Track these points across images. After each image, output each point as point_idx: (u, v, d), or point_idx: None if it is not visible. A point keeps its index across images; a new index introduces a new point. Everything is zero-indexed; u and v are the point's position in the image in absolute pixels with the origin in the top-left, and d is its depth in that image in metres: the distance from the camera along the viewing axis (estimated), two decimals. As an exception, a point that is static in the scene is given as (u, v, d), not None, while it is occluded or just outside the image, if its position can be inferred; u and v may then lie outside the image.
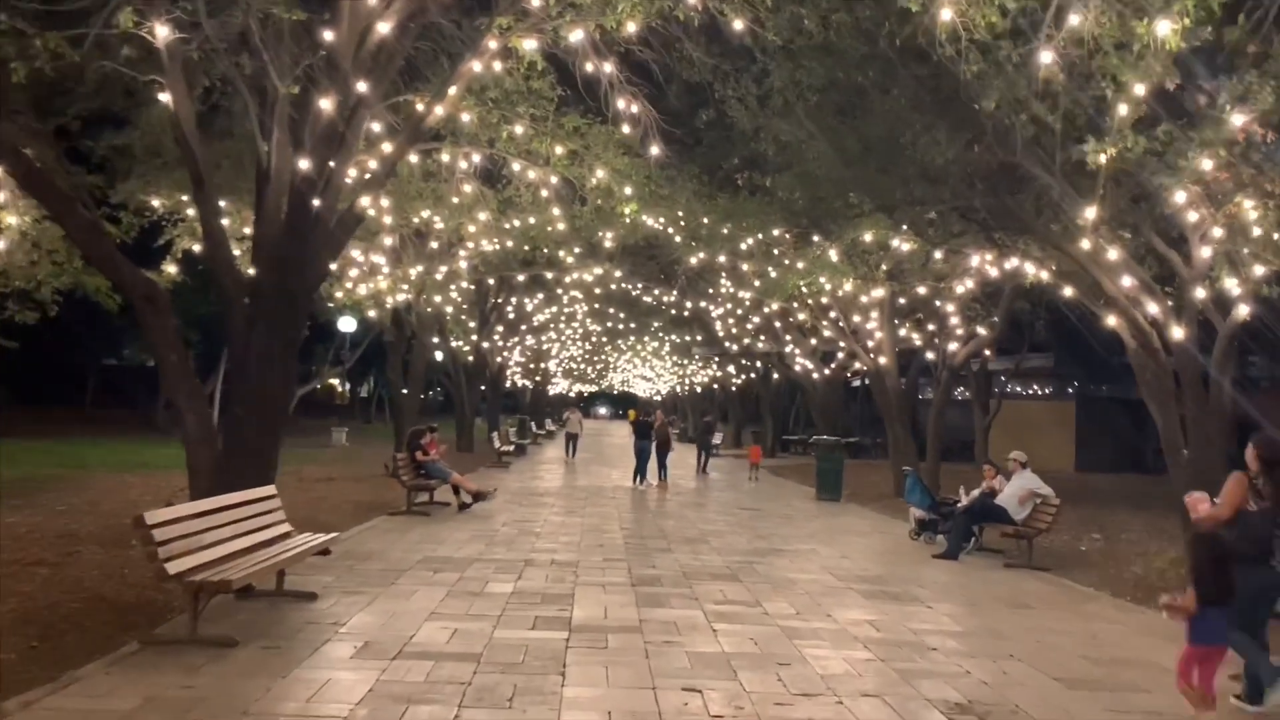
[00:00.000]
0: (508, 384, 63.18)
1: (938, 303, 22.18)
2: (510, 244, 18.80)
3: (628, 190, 14.64)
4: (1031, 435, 38.62)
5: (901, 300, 21.62)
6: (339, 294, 18.28)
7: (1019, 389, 41.47)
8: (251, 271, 10.69)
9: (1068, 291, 13.22)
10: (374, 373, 70.22)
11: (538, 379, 62.52)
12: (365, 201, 11.17)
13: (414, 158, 13.75)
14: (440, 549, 11.98)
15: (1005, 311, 20.10)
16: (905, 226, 14.53)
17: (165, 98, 10.03)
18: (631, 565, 11.30)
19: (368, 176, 11.50)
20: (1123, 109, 9.65)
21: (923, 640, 8.03)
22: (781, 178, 15.78)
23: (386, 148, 11.32)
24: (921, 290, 17.12)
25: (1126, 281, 11.75)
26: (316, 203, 10.81)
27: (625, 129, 12.56)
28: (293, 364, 11.46)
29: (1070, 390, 40.32)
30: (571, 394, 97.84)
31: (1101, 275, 11.84)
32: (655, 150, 12.82)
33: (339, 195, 11.10)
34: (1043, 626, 8.71)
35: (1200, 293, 11.78)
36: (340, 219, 11.18)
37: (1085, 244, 11.05)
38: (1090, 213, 10.67)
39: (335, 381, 76.13)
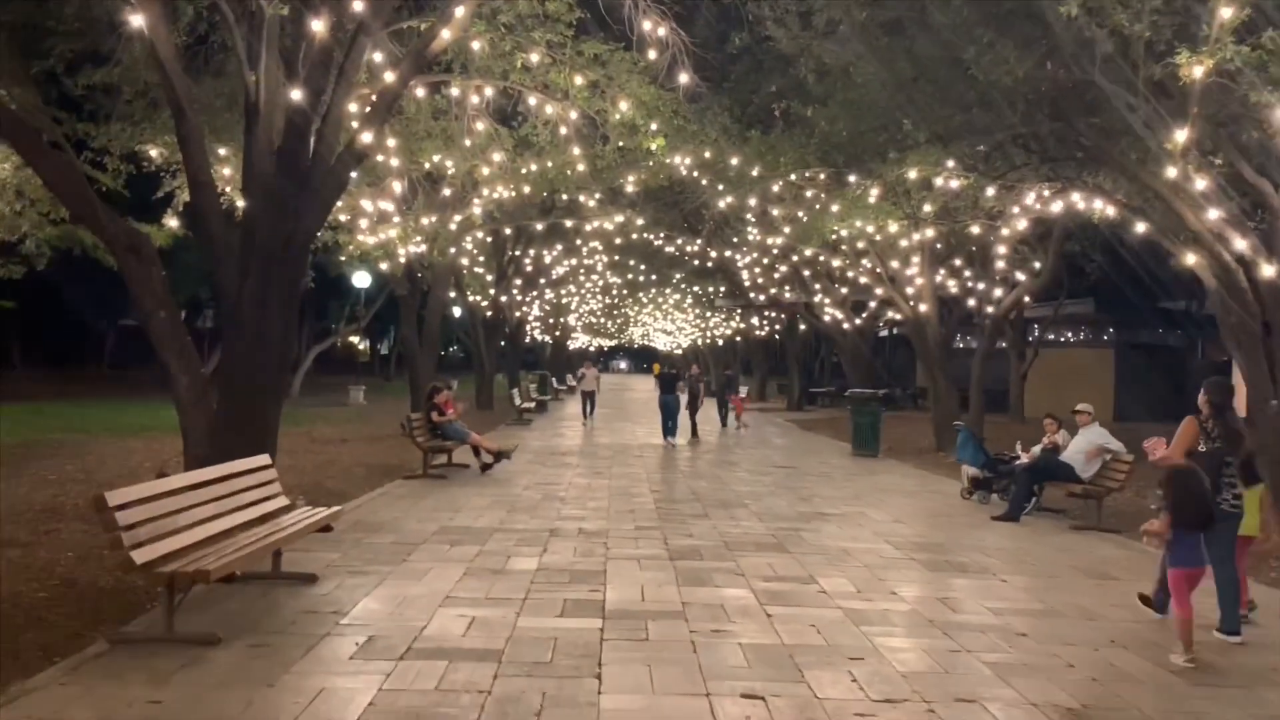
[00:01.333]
0: (528, 339, 62.34)
1: (975, 248, 21.01)
2: (528, 190, 17.60)
3: (654, 125, 13.46)
4: (1069, 383, 37.33)
5: (939, 245, 20.41)
6: (350, 245, 17.13)
7: (1053, 336, 40.09)
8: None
9: (1140, 227, 11.97)
10: (394, 329, 69.44)
11: (557, 334, 61.49)
12: (367, 138, 10.05)
13: (421, 91, 12.58)
14: (458, 517, 11.03)
15: (1055, 254, 18.85)
16: (955, 161, 13.28)
17: (138, 20, 8.92)
18: (667, 534, 10.31)
19: (369, 110, 10.36)
20: (1225, 11, 8.40)
21: (1008, 624, 7.00)
22: (823, 108, 14.39)
23: (389, 78, 10.18)
24: (975, 229, 15.79)
25: (1213, 214, 10.52)
26: (313, 138, 9.77)
27: (651, 54, 11.37)
28: (292, 319, 10.44)
29: (1107, 337, 38.92)
30: (592, 349, 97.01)
31: (1185, 208, 10.60)
32: (684, 79, 11.63)
33: (338, 130, 10.00)
34: (1133, 603, 7.65)
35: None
36: (340, 157, 10.09)
37: (1172, 172, 9.80)
38: (1180, 136, 9.43)
39: (355, 339, 75.57)
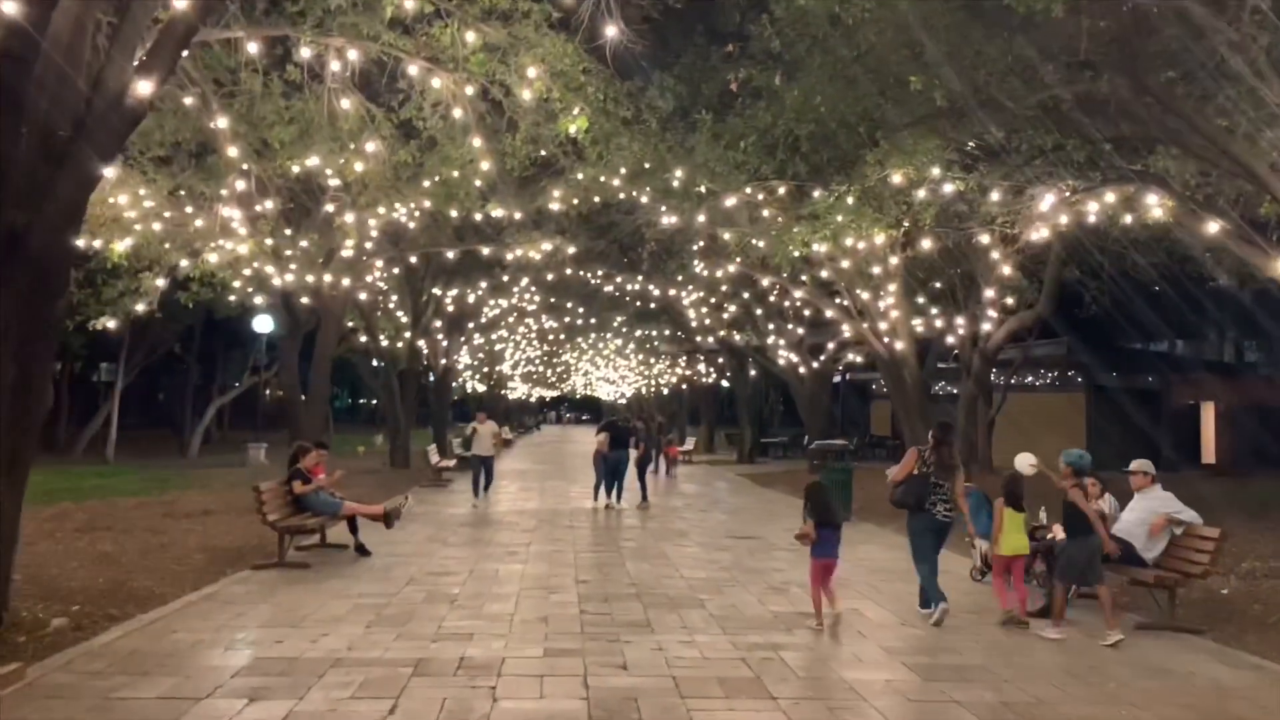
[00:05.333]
0: (467, 389, 58.51)
1: (957, 271, 18.27)
2: (427, 204, 14.34)
3: (575, 109, 10.38)
4: (1039, 430, 34.72)
5: (920, 273, 17.62)
6: (185, 263, 13.53)
7: (1019, 379, 37.58)
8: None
9: (1213, 227, 9.08)
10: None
11: (492, 383, 57.95)
12: (146, 87, 6.82)
13: (254, 47, 9.31)
14: (291, 638, 7.65)
15: (1054, 281, 16.08)
16: (956, 153, 10.37)
17: None
18: (589, 665, 7.03)
19: (150, 50, 7.13)
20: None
21: None
22: (796, 80, 11.23)
23: (181, 3, 6.98)
24: (984, 238, 12.81)
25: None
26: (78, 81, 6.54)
27: (566, -6, 8.35)
28: (36, 356, 7.10)
29: (1080, 380, 36.48)
30: (533, 399, 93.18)
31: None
32: (611, 32, 8.61)
33: (84, 65, 6.77)
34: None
35: None
36: (106, 114, 6.86)
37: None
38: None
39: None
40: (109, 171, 10.49)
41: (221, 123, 9.93)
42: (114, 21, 7.55)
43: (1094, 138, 9.43)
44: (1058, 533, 10.24)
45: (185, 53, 8.37)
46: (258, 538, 12.70)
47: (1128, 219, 11.88)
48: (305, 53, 9.32)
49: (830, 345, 28.02)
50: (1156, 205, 9.81)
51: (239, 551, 12.00)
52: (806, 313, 24.52)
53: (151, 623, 8.15)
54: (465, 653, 7.32)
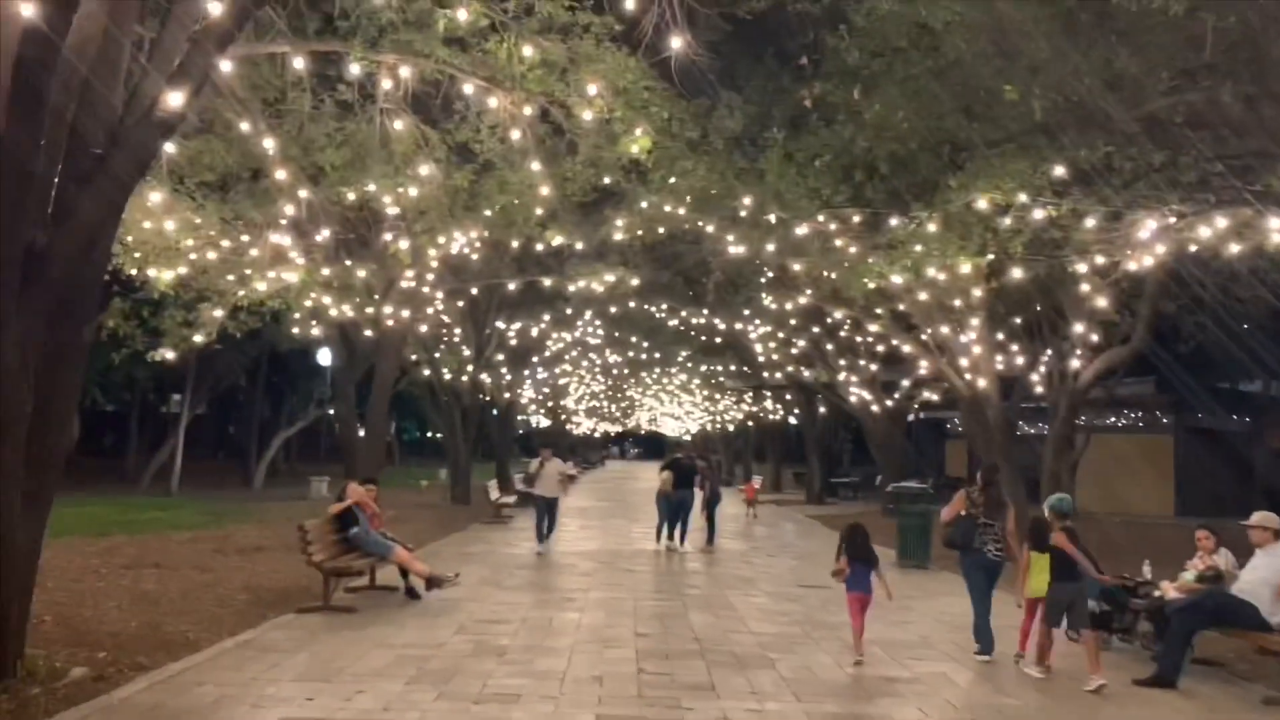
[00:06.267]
0: (532, 424, 58.10)
1: (1040, 308, 17.30)
2: (486, 233, 13.86)
3: (637, 130, 9.79)
4: (1124, 473, 33.18)
5: (1001, 307, 16.66)
6: (241, 292, 13.16)
7: (1102, 420, 35.92)
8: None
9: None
10: (393, 412, 65.20)
11: (561, 417, 57.52)
12: (177, 100, 6.37)
13: (301, 63, 8.89)
14: (323, 695, 7.03)
15: (1152, 314, 15.03)
16: (1054, 170, 9.53)
17: None
18: (646, 736, 6.29)
19: (184, 59, 6.69)
20: None
21: None
22: (875, 92, 10.37)
23: (216, 8, 6.55)
24: (1082, 267, 11.76)
25: None
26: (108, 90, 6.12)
27: (629, 2, 7.77)
28: (62, 383, 6.66)
29: (1165, 421, 34.72)
30: (597, 434, 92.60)
31: None
32: (677, 44, 8.01)
33: (117, 78, 6.35)
34: None
35: None
36: (136, 126, 6.44)
37: None
38: None
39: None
40: (155, 196, 10.23)
41: (269, 144, 9.53)
42: (155, 37, 7.18)
43: (1207, 155, 8.54)
44: (1168, 591, 9.30)
45: (227, 65, 7.99)
46: (306, 577, 12.15)
47: (1234, 247, 10.89)
48: (355, 69, 8.87)
49: (905, 382, 27.03)
50: (1277, 230, 8.85)
51: (285, 592, 11.49)
52: (880, 348, 23.59)
53: (180, 673, 7.61)
54: (509, 718, 6.63)
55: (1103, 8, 7.24)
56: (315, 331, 16.94)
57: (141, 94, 6.57)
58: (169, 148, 9.11)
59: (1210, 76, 7.67)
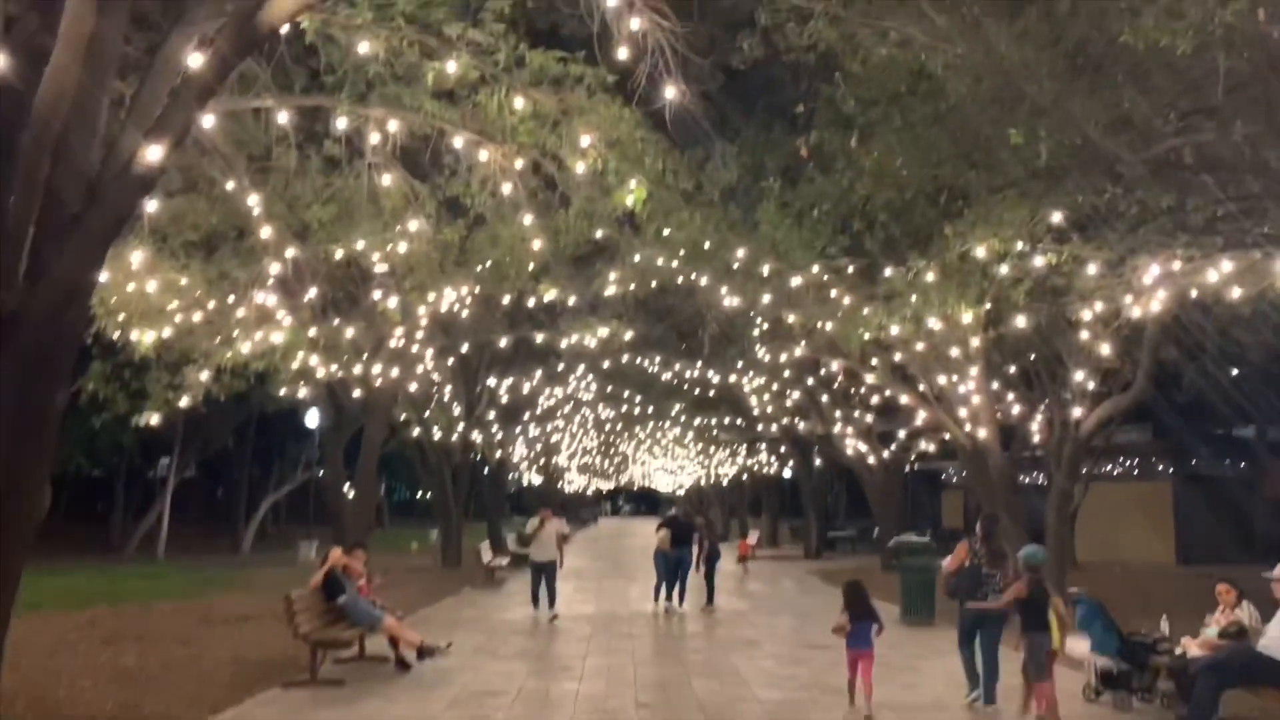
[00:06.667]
0: (523, 482, 57.44)
1: (1036, 356, 17.12)
2: (478, 289, 13.65)
3: (631, 181, 9.59)
4: (1121, 521, 32.81)
5: (995, 355, 16.48)
6: (227, 354, 12.86)
7: (1099, 468, 35.62)
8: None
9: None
10: (383, 472, 64.37)
11: (552, 474, 56.94)
12: (156, 153, 6.14)
13: (285, 117, 8.70)
14: (308, 781, 6.62)
15: (1151, 360, 14.83)
16: (1055, 217, 9.36)
17: None
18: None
19: (165, 108, 6.47)
20: None
21: None
22: (872, 139, 10.18)
23: (196, 61, 6.34)
24: (1087, 314, 11.55)
25: None
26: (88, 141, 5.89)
27: (621, 53, 7.60)
28: (35, 444, 6.34)
29: (1162, 469, 34.44)
30: (589, 492, 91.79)
31: None
32: (671, 93, 7.84)
33: (94, 132, 6.13)
34: None
35: None
36: (115, 181, 6.20)
37: None
38: None
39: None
40: (137, 256, 9.97)
41: (253, 201, 9.32)
42: (134, 92, 6.98)
43: (1216, 197, 8.38)
44: (1189, 647, 8.96)
45: (210, 121, 7.79)
46: (294, 647, 11.64)
47: (1236, 291, 10.71)
48: (342, 123, 8.68)
49: (902, 433, 26.76)
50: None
51: (272, 665, 11.05)
52: (875, 399, 23.37)
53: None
54: (508, 803, 6.23)
55: (1107, 49, 7.12)
56: (303, 393, 16.61)
57: (119, 148, 6.35)
58: (151, 206, 8.87)
59: (1218, 116, 7.53)
